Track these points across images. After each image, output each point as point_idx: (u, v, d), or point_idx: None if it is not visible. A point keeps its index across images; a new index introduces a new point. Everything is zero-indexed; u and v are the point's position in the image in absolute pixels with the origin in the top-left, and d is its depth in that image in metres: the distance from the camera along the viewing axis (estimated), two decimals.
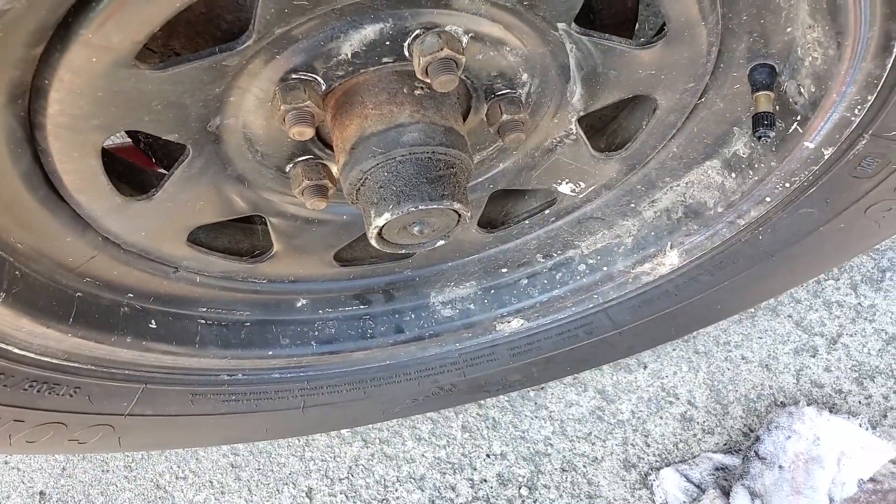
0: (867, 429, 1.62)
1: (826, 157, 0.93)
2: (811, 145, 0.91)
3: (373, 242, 0.86)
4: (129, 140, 1.09)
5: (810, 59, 0.82)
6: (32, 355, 0.91)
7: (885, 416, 1.74)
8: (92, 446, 1.12)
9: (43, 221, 0.82)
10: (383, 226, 0.82)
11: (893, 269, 1.94)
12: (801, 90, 0.87)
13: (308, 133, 0.78)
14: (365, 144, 0.81)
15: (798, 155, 0.95)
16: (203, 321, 1.12)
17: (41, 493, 1.71)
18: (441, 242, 0.92)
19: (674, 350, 1.86)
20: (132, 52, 0.64)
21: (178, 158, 0.85)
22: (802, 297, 1.90)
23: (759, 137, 0.85)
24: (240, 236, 1.13)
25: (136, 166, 1.02)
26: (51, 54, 0.62)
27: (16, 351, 0.89)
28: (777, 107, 0.88)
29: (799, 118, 0.90)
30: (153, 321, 1.04)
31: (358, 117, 0.82)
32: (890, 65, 0.77)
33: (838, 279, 1.91)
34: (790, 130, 0.92)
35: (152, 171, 1.05)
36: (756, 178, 1.02)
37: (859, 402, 1.77)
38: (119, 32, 0.61)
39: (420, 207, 0.80)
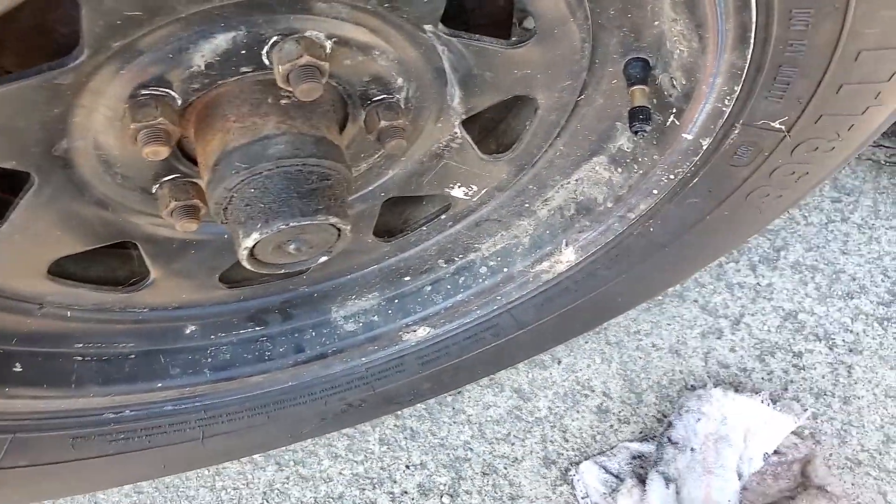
0: (769, 404, 1.68)
1: (704, 147, 0.95)
2: (689, 137, 0.93)
3: (245, 264, 0.81)
4: None
5: (678, 51, 0.83)
6: None
7: (786, 390, 1.82)
8: None
9: None
10: (253, 246, 0.77)
11: (787, 247, 2.03)
12: (674, 83, 0.88)
13: (163, 152, 0.73)
14: (228, 160, 0.76)
15: (678, 147, 0.96)
16: (80, 357, 1.04)
17: None
18: (323, 259, 0.88)
19: (586, 343, 1.88)
20: None
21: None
22: (706, 281, 1.97)
23: (636, 132, 0.85)
24: (116, 263, 1.06)
25: None
26: None
27: None
28: (654, 100, 0.89)
29: (675, 111, 0.91)
30: (18, 364, 0.95)
31: (220, 131, 0.77)
32: (749, 55, 0.79)
33: (738, 261, 1.99)
34: (668, 123, 0.93)
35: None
36: (641, 172, 1.03)
37: (762, 379, 1.84)
38: None
39: (291, 224, 0.75)
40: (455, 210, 1.17)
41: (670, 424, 1.71)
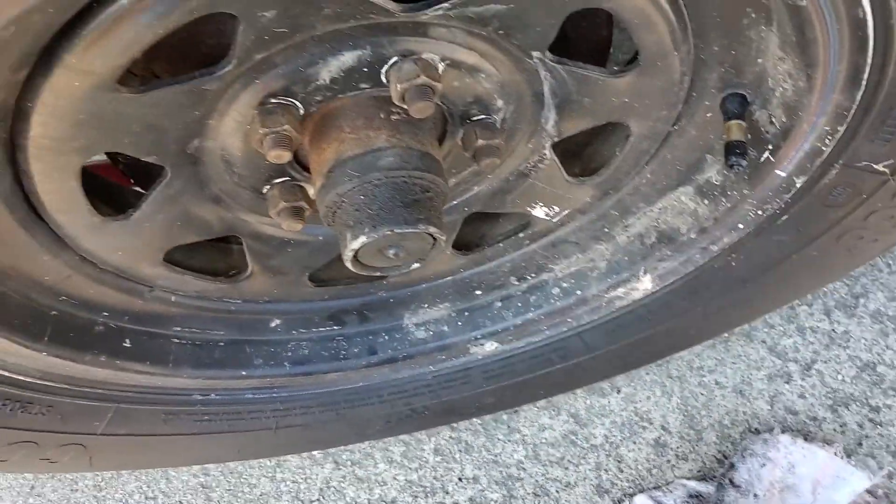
0: (842, 457, 1.63)
1: (798, 185, 0.96)
2: (783, 174, 0.94)
3: (348, 265, 0.86)
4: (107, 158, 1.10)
5: (781, 89, 0.85)
6: (7, 374, 0.91)
7: (861, 445, 1.76)
8: (63, 466, 1.11)
9: (20, 241, 0.82)
10: (359, 249, 0.83)
11: (867, 295, 1.97)
12: (773, 120, 0.89)
13: (286, 157, 0.79)
14: (341, 168, 0.82)
15: (770, 183, 0.97)
16: (177, 340, 1.12)
17: None
18: (416, 266, 0.93)
19: (647, 374, 1.87)
20: (114, 77, 0.65)
21: (157, 179, 0.86)
22: (776, 323, 1.93)
23: (732, 166, 0.87)
24: (216, 256, 1.14)
25: (113, 184, 1.02)
26: (34, 78, 0.62)
27: None
28: (749, 135, 0.91)
29: (770, 147, 0.93)
30: (127, 340, 1.03)
31: (335, 141, 0.84)
32: (859, 97, 0.80)
33: (812, 305, 1.94)
34: (762, 159, 0.94)
35: (129, 188, 1.06)
36: (728, 206, 1.05)
37: (834, 430, 1.78)
38: (102, 57, 0.62)
39: (396, 231, 0.81)
40: (534, 229, 1.20)
41: (732, 466, 1.68)
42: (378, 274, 0.91)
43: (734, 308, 1.28)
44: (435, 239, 0.86)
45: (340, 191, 0.82)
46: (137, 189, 1.07)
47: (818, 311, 1.95)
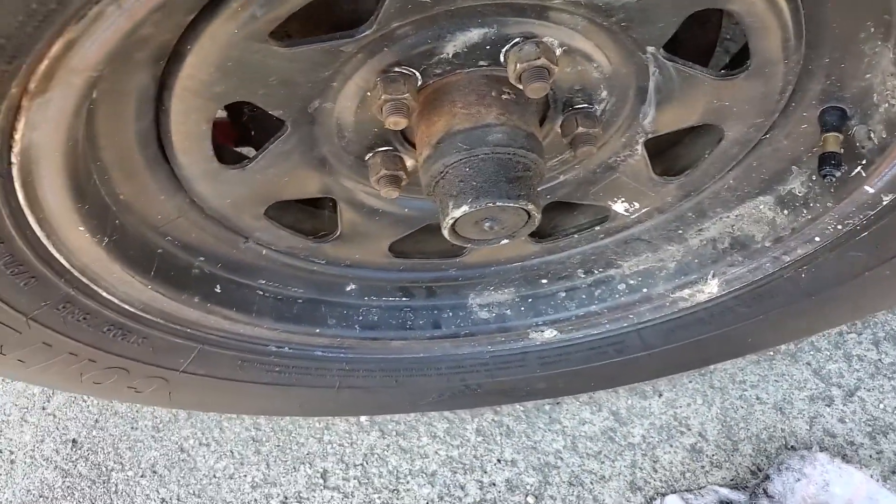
0: (878, 480, 1.64)
1: (884, 203, 0.97)
2: (871, 190, 0.96)
3: (445, 234, 0.91)
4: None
5: (886, 105, 0.87)
6: (116, 301, 0.97)
7: (894, 473, 1.76)
8: (146, 396, 1.17)
9: (145, 177, 0.87)
10: (459, 218, 0.87)
11: None
12: (872, 135, 0.91)
13: (402, 123, 0.83)
14: (451, 140, 0.86)
15: (856, 199, 0.99)
16: (261, 292, 1.17)
17: (74, 440, 1.75)
18: (505, 241, 0.96)
19: (690, 382, 1.89)
20: (269, 28, 0.69)
21: (273, 135, 0.91)
22: (823, 347, 1.93)
23: (825, 176, 0.89)
24: (302, 217, 1.19)
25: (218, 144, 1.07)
26: (199, 22, 0.67)
27: (104, 295, 0.94)
28: (843, 149, 0.92)
29: (864, 162, 0.94)
30: (219, 286, 1.09)
31: (447, 114, 0.87)
32: None
33: (861, 333, 1.93)
34: (852, 174, 0.96)
35: (231, 148, 1.11)
36: (809, 218, 1.06)
37: (870, 456, 1.78)
38: (264, 7, 0.66)
39: (497, 204, 0.85)
40: (611, 224, 1.23)
41: (767, 477, 1.70)
42: (470, 245, 0.95)
43: (796, 320, 1.30)
44: (530, 216, 0.89)
45: (447, 161, 0.86)
46: (238, 150, 1.13)
47: (867, 340, 1.94)
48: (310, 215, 1.20)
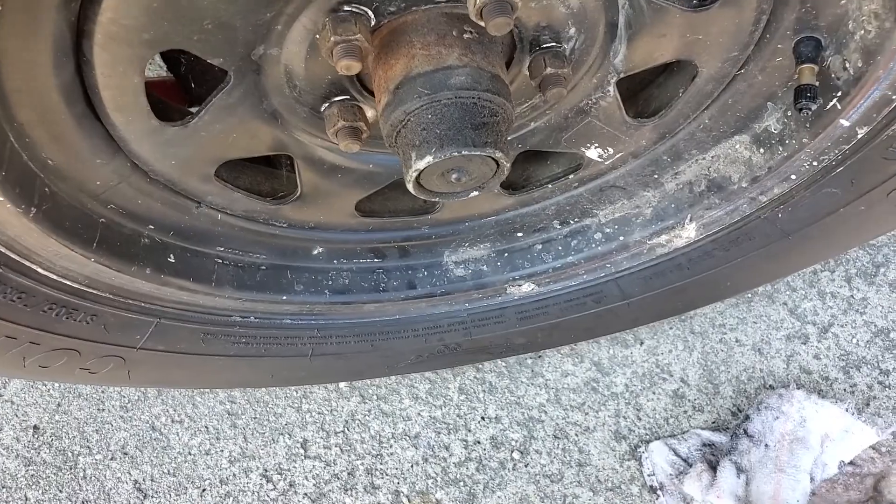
0: (853, 414, 1.66)
1: (860, 136, 0.93)
2: (846, 123, 0.92)
3: (409, 188, 0.85)
4: (160, 74, 1.07)
5: (862, 32, 0.82)
6: (55, 277, 0.90)
7: (868, 405, 1.79)
8: (102, 377, 1.11)
9: (75, 139, 0.80)
10: (423, 170, 0.81)
11: (888, 264, 1.97)
12: (847, 65, 0.87)
13: (356, 67, 0.77)
14: (411, 84, 0.80)
15: (831, 133, 0.95)
16: (220, 260, 1.11)
17: (35, 427, 1.69)
18: (475, 193, 0.91)
19: (670, 328, 1.88)
20: None
21: (216, 87, 0.84)
22: (798, 286, 1.93)
23: (801, 109, 0.85)
24: (260, 178, 1.12)
25: (164, 102, 0.99)
26: None
27: (39, 271, 0.87)
28: (818, 81, 0.88)
29: (839, 94, 0.90)
30: (172, 255, 1.03)
31: (404, 57, 0.81)
32: None
33: (833, 271, 1.94)
34: (827, 107, 0.92)
35: (179, 107, 1.03)
36: (785, 155, 1.02)
37: (844, 390, 1.81)
38: None
39: (463, 153, 0.79)
40: (585, 172, 1.18)
41: (747, 417, 1.71)
42: (436, 199, 0.89)
43: (773, 261, 1.27)
44: (499, 165, 0.84)
45: (408, 108, 0.80)
46: (187, 109, 1.05)
47: (839, 277, 1.95)
48: (267, 175, 1.13)
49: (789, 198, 1.11)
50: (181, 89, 1.04)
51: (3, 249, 0.82)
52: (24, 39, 0.65)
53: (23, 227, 0.80)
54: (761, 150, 1.07)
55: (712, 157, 1.14)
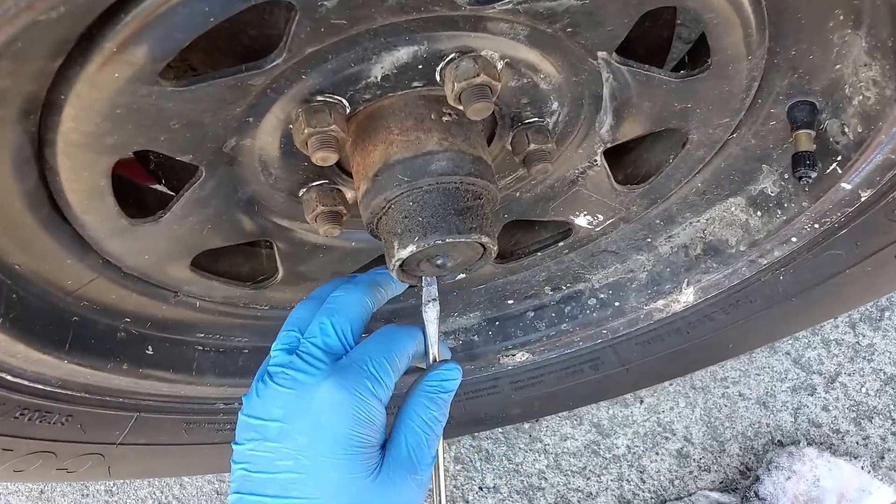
0: (868, 471, 1.60)
1: (863, 199, 0.90)
2: (848, 186, 0.89)
3: (393, 275, 0.81)
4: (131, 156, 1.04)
5: (860, 98, 0.80)
6: (26, 382, 0.85)
7: (883, 458, 1.73)
8: (80, 475, 1.05)
9: (43, 243, 0.76)
10: (407, 258, 0.78)
11: (892, 308, 1.93)
12: (846, 130, 0.84)
13: (332, 159, 0.74)
14: (390, 172, 0.77)
15: (833, 196, 0.92)
16: (200, 347, 1.06)
17: None
18: (461, 276, 0.87)
19: (671, 385, 1.83)
20: (157, 69, 0.59)
21: (189, 179, 0.80)
22: (801, 335, 1.89)
23: (801, 178, 0.82)
24: (239, 260, 1.08)
25: (137, 185, 0.96)
26: (70, 67, 0.57)
27: (9, 378, 0.83)
28: (815, 146, 0.85)
29: (839, 159, 0.87)
30: (150, 347, 0.98)
31: (382, 143, 0.78)
32: None
33: (836, 318, 1.90)
34: (827, 171, 0.89)
35: (151, 189, 1.00)
36: (784, 218, 0.99)
37: (857, 443, 1.75)
38: (147, 46, 0.56)
39: (447, 240, 0.75)
40: (574, 238, 1.15)
41: (757, 478, 1.65)
42: (419, 284, 0.86)
43: (776, 322, 1.23)
44: (485, 248, 0.81)
45: (388, 196, 0.76)
46: (162, 189, 1.02)
47: (843, 323, 1.91)
48: (246, 256, 1.09)
49: (791, 260, 1.07)
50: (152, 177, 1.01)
51: None
52: None
53: None
54: (758, 213, 1.04)
55: (707, 219, 1.11)
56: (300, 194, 0.88)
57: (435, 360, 0.84)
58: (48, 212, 0.73)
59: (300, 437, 0.67)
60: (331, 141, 0.73)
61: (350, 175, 0.87)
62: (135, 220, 0.80)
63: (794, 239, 1.02)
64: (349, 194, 0.90)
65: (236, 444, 0.72)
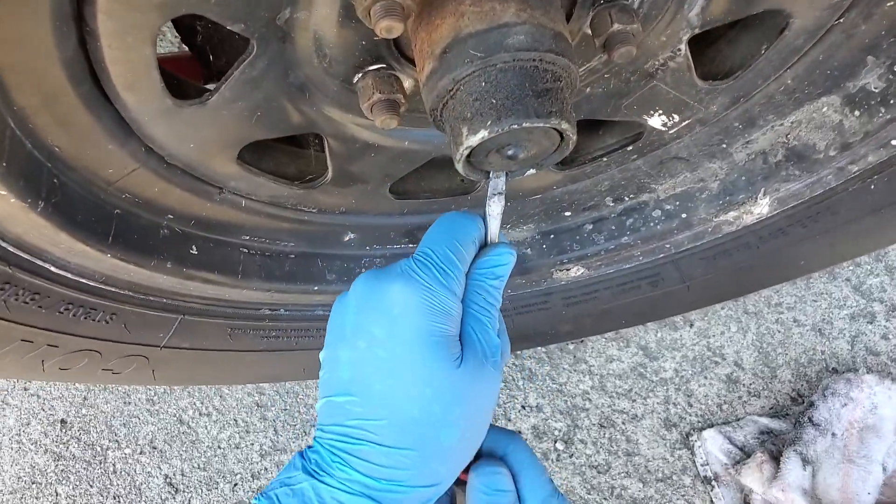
0: None
1: None
2: None
3: (458, 167, 0.74)
4: (174, 50, 0.97)
5: None
6: (70, 276, 0.81)
7: None
8: (126, 377, 1.03)
9: (84, 123, 0.70)
10: (476, 146, 0.70)
11: None
12: None
13: (397, 29, 0.65)
14: (461, 47, 0.68)
15: None
16: (246, 250, 1.01)
17: (62, 421, 1.63)
18: (532, 172, 0.80)
19: (723, 309, 1.76)
20: None
21: (237, 59, 0.73)
22: (863, 261, 1.79)
23: None
24: (285, 159, 1.02)
25: (180, 79, 0.89)
26: None
27: (53, 270, 0.78)
28: None
29: None
30: (194, 247, 0.93)
31: (452, 15, 0.69)
32: None
33: None
34: None
35: (197, 84, 0.93)
36: (887, 118, 0.89)
37: None
38: None
39: (524, 125, 0.67)
40: (644, 142, 1.06)
41: (811, 404, 1.59)
42: (487, 179, 0.78)
43: (858, 238, 1.14)
44: (563, 137, 0.72)
45: (458, 75, 0.68)
46: (205, 88, 0.95)
47: None
48: (293, 156, 1.02)
49: (887, 167, 0.97)
50: (198, 64, 0.94)
51: (11, 248, 0.74)
52: (16, 7, 0.54)
53: (31, 223, 0.71)
54: (856, 113, 0.93)
55: (792, 122, 1.01)
56: (355, 80, 0.80)
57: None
58: (89, 87, 0.67)
59: (378, 331, 0.63)
60: (396, 8, 0.64)
61: (410, 60, 0.79)
62: (180, 101, 0.73)
63: (893, 142, 0.92)
64: (408, 83, 0.82)
65: (322, 350, 0.70)
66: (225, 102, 0.75)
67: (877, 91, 0.89)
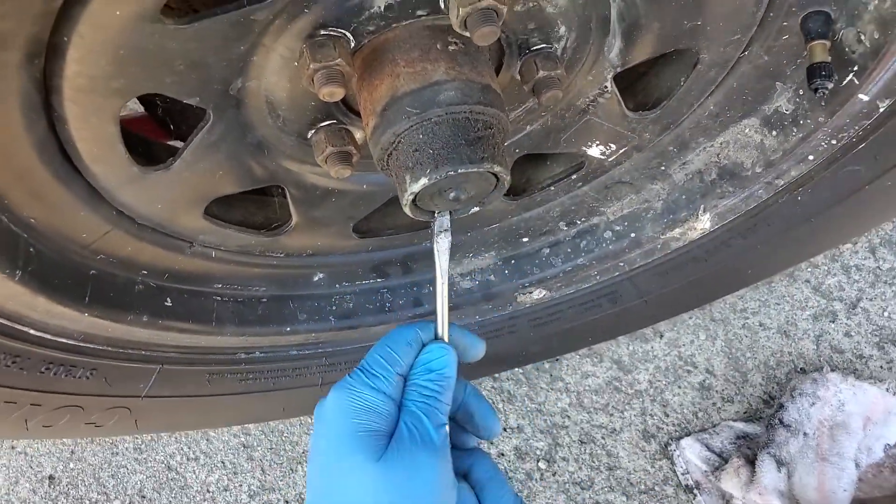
0: (893, 393, 1.59)
1: (881, 110, 0.88)
2: (866, 98, 0.87)
3: (406, 211, 0.81)
4: (140, 111, 1.03)
5: (876, 2, 0.77)
6: (49, 337, 0.87)
7: None
8: (109, 429, 1.08)
9: (57, 194, 0.76)
10: (419, 192, 0.77)
11: None
12: (862, 37, 0.81)
13: (339, 93, 0.72)
14: (398, 105, 0.75)
15: (850, 109, 0.90)
16: (219, 298, 1.07)
17: (50, 477, 1.66)
18: (475, 210, 0.87)
19: (690, 318, 1.83)
20: (158, 5, 0.58)
21: (196, 126, 0.80)
22: (820, 262, 1.87)
23: (817, 90, 0.80)
24: (253, 209, 1.08)
25: (146, 139, 0.96)
26: (71, 7, 0.56)
27: (32, 332, 0.84)
28: (830, 57, 0.83)
29: (856, 69, 0.85)
30: (169, 299, 0.99)
31: (389, 76, 0.76)
32: None
33: (856, 242, 1.88)
34: (844, 83, 0.87)
35: (162, 143, 1.00)
36: (800, 136, 0.97)
37: (881, 367, 1.75)
38: None
39: (459, 171, 0.74)
40: (587, 170, 1.14)
41: (782, 406, 1.65)
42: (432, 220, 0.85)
43: (796, 245, 1.22)
44: (498, 179, 0.80)
45: (397, 130, 0.75)
46: (170, 144, 1.02)
47: (863, 248, 1.89)
48: (259, 205, 1.09)
49: (808, 179, 1.06)
50: (160, 126, 1.00)
51: None
52: None
53: (9, 292, 0.77)
54: (773, 133, 1.01)
55: (721, 143, 1.09)
56: (309, 136, 0.87)
57: (437, 336, 0.84)
58: (60, 162, 0.73)
59: (318, 430, 0.72)
60: (337, 75, 0.71)
61: (358, 114, 0.86)
62: (145, 168, 0.79)
63: (811, 157, 1.00)
64: (358, 134, 0.89)
65: None
66: (188, 166, 0.82)
67: (788, 112, 0.97)
